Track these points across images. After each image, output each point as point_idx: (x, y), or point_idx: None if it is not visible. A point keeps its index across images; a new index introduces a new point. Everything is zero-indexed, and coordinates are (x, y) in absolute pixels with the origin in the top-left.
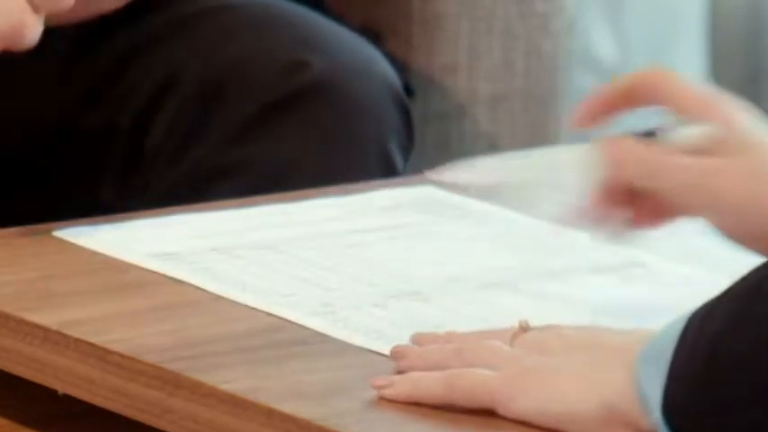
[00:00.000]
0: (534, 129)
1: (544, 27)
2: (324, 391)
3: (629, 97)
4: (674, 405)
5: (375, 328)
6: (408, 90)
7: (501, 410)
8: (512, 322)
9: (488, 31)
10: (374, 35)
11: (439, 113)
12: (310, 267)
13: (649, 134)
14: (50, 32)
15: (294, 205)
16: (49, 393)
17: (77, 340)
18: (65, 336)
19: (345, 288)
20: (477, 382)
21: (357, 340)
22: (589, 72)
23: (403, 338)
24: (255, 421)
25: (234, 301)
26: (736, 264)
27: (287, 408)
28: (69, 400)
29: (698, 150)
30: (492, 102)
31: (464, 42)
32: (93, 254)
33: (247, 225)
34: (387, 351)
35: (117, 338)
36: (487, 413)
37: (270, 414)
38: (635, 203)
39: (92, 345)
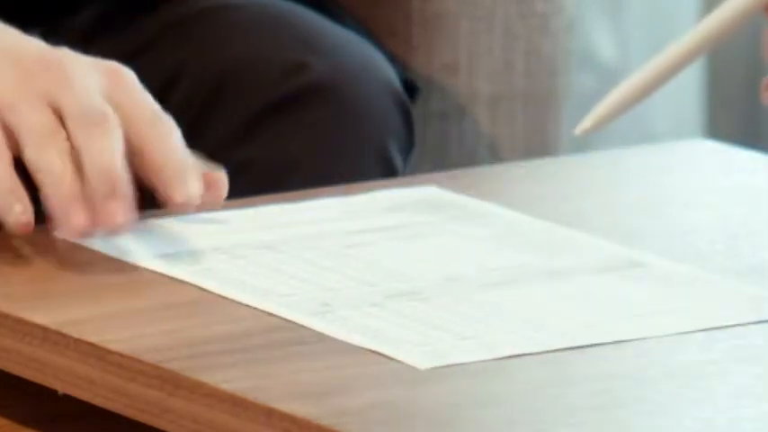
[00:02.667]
0: (534, 129)
1: (544, 27)
2: (324, 390)
3: None
4: None
5: (373, 327)
6: (412, 89)
7: None
8: (511, 323)
9: (488, 31)
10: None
11: (439, 113)
12: (309, 267)
13: None
14: (50, 35)
15: (294, 205)
16: (49, 393)
17: (77, 340)
18: (64, 336)
19: (344, 288)
20: None
21: (356, 340)
22: (589, 72)
23: (401, 338)
24: (255, 421)
25: (233, 301)
26: (734, 262)
27: (287, 407)
28: (69, 400)
29: None
30: (492, 102)
31: (464, 42)
32: (93, 254)
33: (247, 225)
34: (385, 351)
35: (117, 338)
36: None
37: (270, 413)
38: None
39: (92, 345)
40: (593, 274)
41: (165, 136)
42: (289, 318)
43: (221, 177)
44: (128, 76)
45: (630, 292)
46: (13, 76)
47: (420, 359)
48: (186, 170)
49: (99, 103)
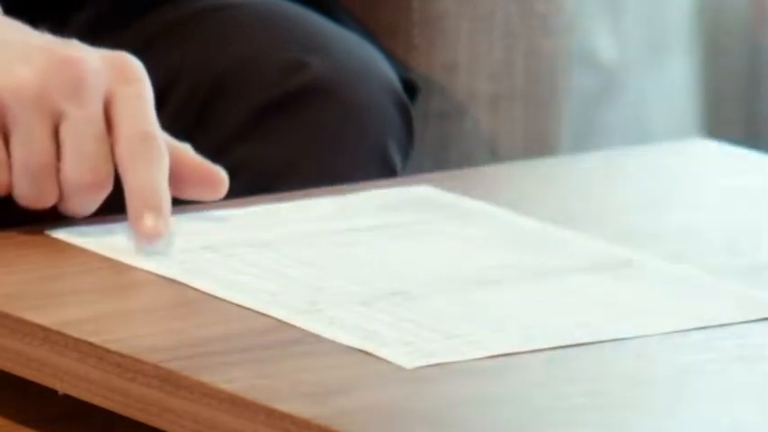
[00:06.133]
0: (534, 129)
1: (544, 27)
2: (323, 390)
3: None
4: None
5: (361, 326)
6: (412, 89)
7: None
8: (500, 322)
9: (488, 31)
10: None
11: (439, 113)
12: (299, 266)
13: None
14: (55, 32)
15: (290, 205)
16: (49, 393)
17: (77, 340)
18: (65, 336)
19: (333, 287)
20: None
21: (343, 339)
22: (589, 72)
23: (391, 337)
24: (255, 420)
25: (224, 300)
26: (734, 262)
27: (286, 407)
28: (69, 400)
29: None
30: (492, 102)
31: (464, 42)
32: (92, 254)
33: (238, 224)
34: (370, 349)
35: (117, 338)
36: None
37: (269, 413)
38: None
39: (92, 345)
40: (585, 274)
41: (146, 162)
42: (276, 316)
43: (220, 174)
44: (135, 72)
45: (622, 291)
46: (28, 76)
47: (406, 358)
48: (152, 204)
49: (100, 127)
